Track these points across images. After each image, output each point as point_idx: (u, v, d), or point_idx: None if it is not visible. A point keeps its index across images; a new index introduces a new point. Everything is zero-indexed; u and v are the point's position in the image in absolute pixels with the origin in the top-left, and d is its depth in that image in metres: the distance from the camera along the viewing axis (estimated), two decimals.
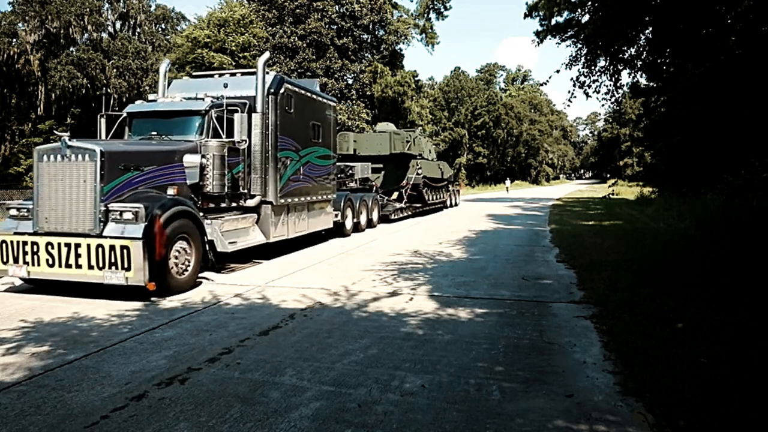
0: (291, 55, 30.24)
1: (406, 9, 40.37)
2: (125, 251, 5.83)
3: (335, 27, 31.93)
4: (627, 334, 4.48)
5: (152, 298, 6.20)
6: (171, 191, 6.88)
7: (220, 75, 9.52)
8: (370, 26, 34.91)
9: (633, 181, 44.57)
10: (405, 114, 34.31)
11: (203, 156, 7.33)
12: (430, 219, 18.18)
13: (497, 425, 3.00)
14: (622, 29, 9.40)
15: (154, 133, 7.71)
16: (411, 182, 18.09)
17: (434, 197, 20.82)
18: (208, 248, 7.10)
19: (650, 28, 9.87)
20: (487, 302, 5.92)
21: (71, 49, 36.38)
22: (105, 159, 6.17)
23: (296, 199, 9.59)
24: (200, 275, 7.14)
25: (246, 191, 8.39)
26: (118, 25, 41.12)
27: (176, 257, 6.41)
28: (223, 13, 26.23)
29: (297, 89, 9.48)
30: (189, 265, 6.65)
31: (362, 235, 12.84)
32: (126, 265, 5.84)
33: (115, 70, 36.40)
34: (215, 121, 7.74)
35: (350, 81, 33.48)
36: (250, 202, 8.48)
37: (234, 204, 8.26)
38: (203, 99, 7.95)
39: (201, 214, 7.21)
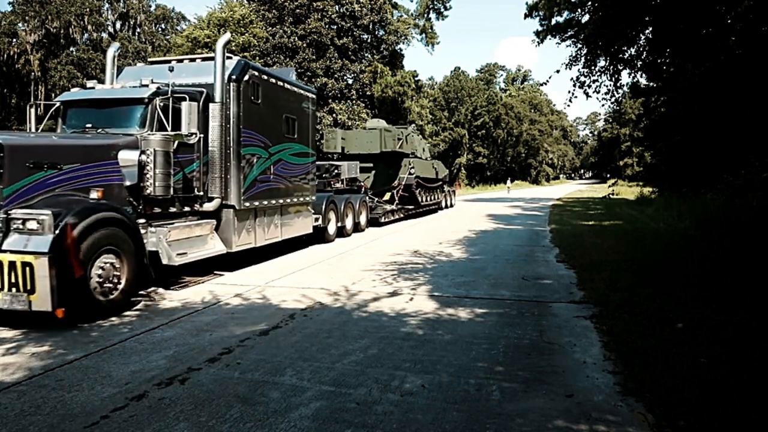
0: (291, 55, 30.22)
1: (406, 9, 40.39)
2: (27, 269, 4.70)
3: (335, 27, 31.91)
4: (627, 334, 4.48)
5: (152, 299, 6.20)
6: (94, 194, 5.67)
7: (180, 61, 8.37)
8: (370, 26, 34.88)
9: (633, 181, 44.56)
10: (405, 114, 34.26)
11: (143, 152, 6.12)
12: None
13: (497, 425, 3.00)
14: (622, 29, 9.40)
15: (89, 125, 6.59)
16: (403, 183, 17.04)
17: (428, 198, 19.79)
18: (149, 261, 6.06)
19: (650, 28, 9.87)
20: (487, 302, 5.92)
21: (71, 49, 36.39)
22: (7, 154, 5.10)
23: (266, 202, 8.49)
24: (146, 291, 6.44)
25: (202, 193, 7.31)
26: (118, 25, 41.14)
27: (100, 275, 5.31)
28: (223, 13, 26.24)
29: (266, 77, 8.45)
30: (119, 284, 5.52)
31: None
32: (29, 287, 4.70)
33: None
34: (160, 111, 6.56)
35: (350, 81, 33.45)
36: (208, 206, 7.36)
37: (188, 208, 7.18)
38: (148, 85, 6.71)
39: (143, 220, 6.33)
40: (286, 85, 9.24)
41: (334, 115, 29.48)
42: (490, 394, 3.43)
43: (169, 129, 6.53)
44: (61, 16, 33.71)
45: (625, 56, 10.48)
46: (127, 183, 6.14)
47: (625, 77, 51.66)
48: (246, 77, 7.77)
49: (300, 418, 3.10)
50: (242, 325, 5.05)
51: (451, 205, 24.37)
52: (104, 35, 38.30)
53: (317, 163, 15.20)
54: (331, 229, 11.65)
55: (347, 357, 4.14)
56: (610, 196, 20.23)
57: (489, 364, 3.97)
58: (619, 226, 13.66)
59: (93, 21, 35.58)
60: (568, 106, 30.43)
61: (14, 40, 33.71)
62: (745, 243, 7.33)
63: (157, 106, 6.59)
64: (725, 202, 10.87)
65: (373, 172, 17.62)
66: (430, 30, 40.86)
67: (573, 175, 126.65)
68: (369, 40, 35.18)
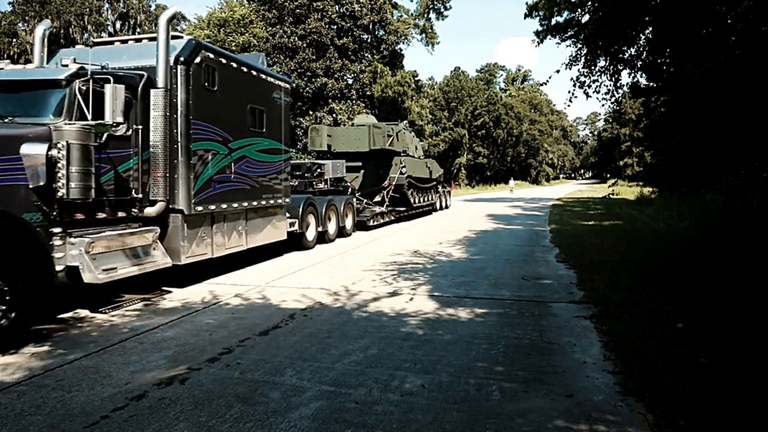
0: (291, 55, 30.24)
1: (406, 9, 40.44)
2: None
3: (335, 27, 31.93)
4: (627, 334, 4.48)
5: (152, 298, 6.20)
6: None
7: (124, 42, 7.31)
8: (370, 26, 34.90)
9: (633, 181, 44.55)
10: (405, 114, 34.28)
11: (53, 146, 4.97)
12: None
13: (497, 425, 3.00)
14: (622, 29, 9.40)
15: None
16: (394, 183, 15.92)
17: (421, 199, 18.73)
18: (72, 278, 5.25)
19: (650, 28, 9.87)
20: (487, 302, 5.92)
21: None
22: None
23: (225, 206, 7.38)
24: (67, 315, 5.49)
25: (142, 196, 6.19)
26: (118, 25, 41.12)
27: None
28: (223, 13, 26.24)
29: (224, 61, 7.37)
30: (10, 315, 4.33)
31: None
32: None
33: None
34: (80, 97, 5.39)
35: (350, 81, 33.47)
36: (150, 211, 6.24)
37: (122, 214, 6.02)
38: (67, 65, 5.56)
39: (59, 229, 5.18)
40: (252, 72, 8.12)
41: (334, 115, 29.48)
42: (490, 394, 3.43)
43: (89, 117, 5.36)
44: (61, 16, 33.71)
45: (625, 56, 10.48)
46: (32, 184, 4.90)
47: (625, 77, 51.63)
48: (198, 59, 6.68)
49: (300, 418, 3.10)
50: (242, 325, 5.05)
51: (447, 206, 23.49)
52: (104, 35, 38.28)
53: (298, 161, 14.09)
54: (311, 234, 10.55)
55: (347, 357, 4.14)
56: (610, 196, 20.20)
57: (489, 364, 3.97)
58: (619, 226, 13.66)
59: (93, 21, 35.57)
60: (568, 106, 30.37)
61: (14, 40, 33.72)
62: (745, 243, 7.33)
63: (77, 91, 5.39)
64: (725, 202, 10.87)
65: (362, 171, 16.59)
66: (430, 30, 40.88)
67: (573, 175, 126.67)
68: (369, 40, 35.19)
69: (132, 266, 5.85)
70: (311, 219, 10.64)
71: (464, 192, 47.04)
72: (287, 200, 9.30)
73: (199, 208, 6.83)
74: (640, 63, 10.66)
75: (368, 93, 32.97)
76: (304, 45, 30.07)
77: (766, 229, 7.29)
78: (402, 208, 16.77)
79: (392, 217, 15.95)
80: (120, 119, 5.43)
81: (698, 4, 8.54)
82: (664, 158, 20.98)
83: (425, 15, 40.30)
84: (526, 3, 14.54)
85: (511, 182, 48.65)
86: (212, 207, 7.10)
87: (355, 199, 13.96)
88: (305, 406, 3.26)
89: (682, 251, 8.24)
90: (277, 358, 4.13)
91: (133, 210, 6.17)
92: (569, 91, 11.18)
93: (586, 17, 11.56)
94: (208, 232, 7.11)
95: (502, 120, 61.88)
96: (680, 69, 11.15)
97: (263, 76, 8.55)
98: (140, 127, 6.11)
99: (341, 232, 12.22)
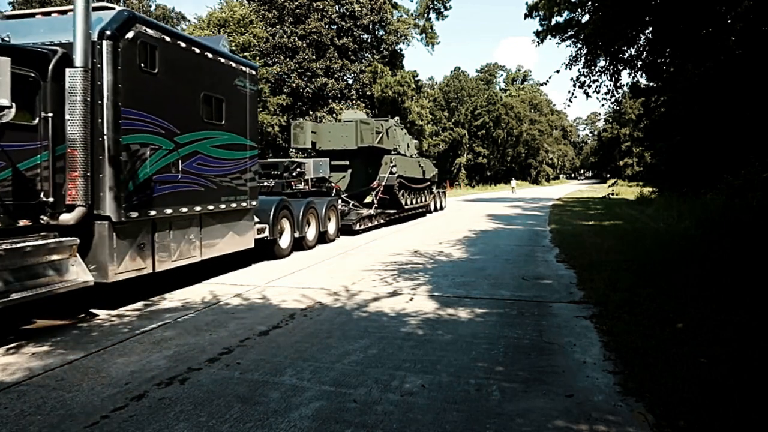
0: (291, 55, 30.25)
1: (406, 9, 40.49)
2: None
3: (335, 27, 31.93)
4: (627, 334, 4.48)
5: (152, 298, 6.20)
6: None
7: (46, 14, 6.11)
8: (370, 26, 34.90)
9: (633, 181, 44.57)
10: (405, 114, 34.29)
11: None
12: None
13: (497, 425, 3.00)
14: (622, 29, 9.40)
15: None
16: (383, 183, 14.67)
17: (413, 201, 17.59)
18: None
19: (650, 28, 9.88)
20: (487, 302, 5.92)
21: None
22: None
23: (170, 211, 6.23)
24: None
25: (52, 200, 5.10)
26: None
27: None
28: (223, 13, 26.22)
29: (169, 39, 6.20)
30: None
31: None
32: None
33: None
34: None
35: (350, 81, 33.47)
36: (66, 219, 5.15)
37: (26, 222, 4.93)
38: None
39: None
40: (207, 54, 6.98)
41: (334, 115, 29.48)
42: (490, 394, 3.43)
43: None
44: None
45: (625, 56, 10.49)
46: None
47: (625, 77, 51.63)
48: (130, 34, 5.58)
49: (300, 418, 3.10)
50: (242, 325, 5.05)
51: (442, 208, 22.50)
52: None
53: (275, 160, 12.83)
54: (284, 241, 9.45)
55: (347, 357, 4.14)
56: (610, 196, 20.21)
57: (489, 364, 3.97)
58: (619, 226, 13.66)
59: None
60: (568, 106, 30.41)
61: None
62: (745, 243, 7.33)
63: None
64: (725, 202, 10.88)
65: (350, 171, 15.56)
66: (430, 30, 40.86)
67: (573, 175, 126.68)
68: (369, 40, 35.20)
69: (34, 288, 4.74)
70: (285, 224, 9.50)
71: (464, 192, 47.04)
72: (254, 203, 8.11)
73: (134, 214, 5.66)
74: (640, 63, 10.66)
75: (368, 93, 32.97)
76: (304, 45, 30.08)
77: (766, 229, 7.29)
78: (392, 211, 15.67)
79: (382, 220, 14.86)
80: (5, 101, 4.35)
81: (698, 4, 8.54)
82: (664, 158, 20.99)
83: (425, 15, 40.26)
84: (526, 3, 14.54)
85: (513, 182, 48.58)
86: (152, 212, 5.96)
87: (340, 201, 13.02)
88: (305, 406, 3.26)
89: (682, 251, 8.25)
90: (277, 358, 4.13)
91: (42, 217, 5.05)
92: (569, 91, 11.19)
93: (586, 17, 11.56)
94: (147, 243, 5.96)
95: (502, 120, 61.90)
96: (680, 69, 11.16)
97: (222, 60, 7.35)
98: (51, 114, 5.03)
99: (323, 238, 11.17)
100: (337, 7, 32.07)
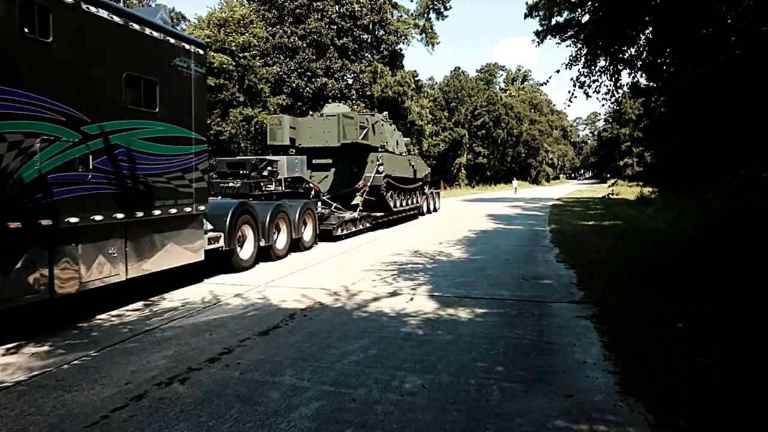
0: (291, 55, 30.26)
1: (406, 9, 40.52)
2: None
3: (335, 27, 31.95)
4: (627, 334, 4.48)
5: (152, 298, 6.20)
6: None
7: None
8: (370, 26, 34.92)
9: (633, 181, 44.60)
10: (405, 114, 34.30)
11: None
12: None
13: (497, 425, 3.00)
14: (622, 29, 9.40)
15: None
16: (369, 183, 13.30)
17: (403, 203, 16.27)
18: None
19: (650, 28, 9.88)
20: (487, 302, 5.92)
21: None
22: None
23: (77, 219, 4.99)
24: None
25: None
26: None
27: None
28: (223, 13, 26.23)
29: (72, 0, 4.95)
30: None
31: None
32: None
33: None
34: None
35: (350, 81, 33.49)
36: None
37: None
38: None
39: None
40: (133, 25, 5.68)
41: None
42: (490, 394, 3.43)
43: None
44: None
45: (625, 56, 10.49)
46: None
47: (625, 77, 51.63)
48: None
49: (300, 418, 3.10)
50: (242, 325, 5.05)
51: (435, 210, 21.32)
52: None
53: (241, 158, 11.18)
54: (246, 251, 8.19)
55: (347, 357, 4.14)
56: (610, 196, 20.22)
57: (489, 364, 3.97)
58: (619, 226, 13.66)
59: None
60: (568, 106, 30.33)
61: None
62: (745, 243, 7.33)
63: None
64: (725, 202, 10.89)
65: (333, 170, 14.26)
66: (430, 30, 40.88)
67: (573, 175, 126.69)
68: (369, 40, 35.21)
69: None
70: (247, 231, 8.23)
71: (464, 192, 47.05)
72: (202, 208, 6.83)
73: (15, 225, 4.39)
74: (640, 63, 10.66)
75: (368, 93, 32.97)
76: (304, 45, 30.09)
77: (766, 229, 7.29)
78: (379, 214, 14.40)
79: (367, 224, 13.69)
80: None
81: (698, 4, 8.54)
82: (664, 158, 20.99)
83: (425, 15, 40.28)
84: (526, 3, 14.54)
85: (515, 182, 48.65)
86: (47, 222, 4.68)
87: (320, 204, 11.97)
88: (305, 406, 3.26)
89: (682, 251, 8.25)
90: (277, 358, 4.13)
91: None
92: (569, 91, 11.19)
93: (586, 17, 11.57)
94: (42, 261, 4.68)
95: (502, 120, 61.91)
96: (680, 69, 11.16)
97: (155, 34, 5.98)
98: None
99: (296, 246, 9.91)
100: (337, 7, 32.09)
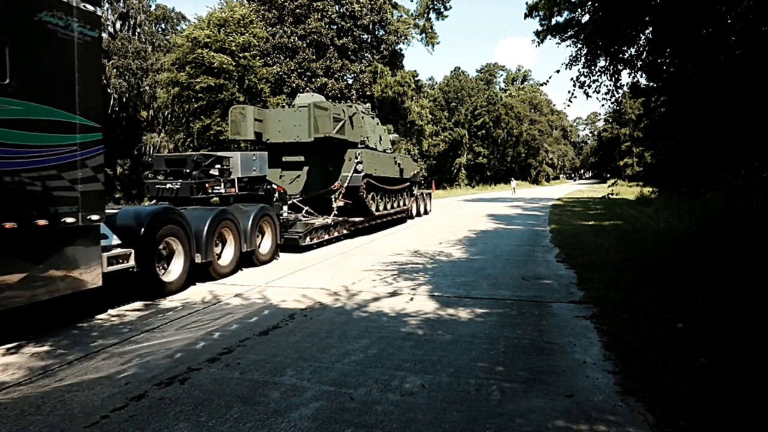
0: (291, 55, 30.25)
1: (406, 9, 40.39)
2: None
3: (335, 27, 31.94)
4: (627, 334, 4.48)
5: (152, 298, 6.20)
6: None
7: None
8: (370, 26, 34.91)
9: (633, 181, 44.59)
10: (405, 114, 34.29)
11: None
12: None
13: (497, 425, 3.00)
14: (622, 29, 9.41)
15: None
16: (346, 184, 11.77)
17: (387, 206, 14.58)
18: None
19: (650, 28, 9.88)
20: (487, 302, 5.92)
21: None
22: None
23: None
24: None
25: None
26: (118, 25, 41.13)
27: None
28: (223, 13, 26.21)
29: None
30: None
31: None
32: None
33: (115, 70, 36.41)
34: None
35: (350, 81, 33.47)
36: None
37: None
38: None
39: None
40: None
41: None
42: (490, 394, 3.43)
43: None
44: None
45: (625, 56, 10.50)
46: None
47: (625, 77, 51.61)
48: None
49: (300, 418, 3.10)
50: (242, 325, 5.05)
51: (426, 212, 19.78)
52: (104, 35, 38.31)
53: (180, 154, 9.26)
54: (173, 271, 6.54)
55: (347, 357, 4.14)
56: (610, 196, 20.20)
57: (489, 364, 3.97)
58: (619, 226, 13.66)
59: None
60: (568, 106, 30.32)
61: None
62: (745, 243, 7.33)
63: None
64: (725, 202, 10.88)
65: (306, 169, 12.57)
66: (430, 30, 40.87)
67: (573, 175, 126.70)
68: (369, 40, 35.20)
69: None
70: (175, 245, 6.55)
71: (464, 192, 47.06)
72: (96, 217, 5.11)
73: None
74: (640, 63, 10.67)
75: (368, 93, 32.97)
76: (304, 45, 30.09)
77: (766, 229, 7.29)
78: (358, 219, 12.70)
79: (344, 231, 12.07)
80: None
81: (698, 4, 8.54)
82: (664, 158, 20.96)
83: (425, 15, 40.32)
84: (526, 3, 14.54)
85: (513, 182, 48.27)
86: None
87: (286, 208, 10.65)
88: (305, 406, 3.26)
89: (683, 251, 8.25)
90: (277, 358, 4.13)
91: None
92: (569, 91, 11.20)
93: (586, 17, 11.57)
94: None
95: (502, 120, 61.93)
96: (680, 69, 11.16)
97: None
98: None
99: (250, 260, 8.33)
100: (337, 7, 32.08)
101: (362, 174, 12.03)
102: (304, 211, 11.57)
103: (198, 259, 6.99)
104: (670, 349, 4.03)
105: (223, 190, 8.59)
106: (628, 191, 32.39)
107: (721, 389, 3.28)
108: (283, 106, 13.28)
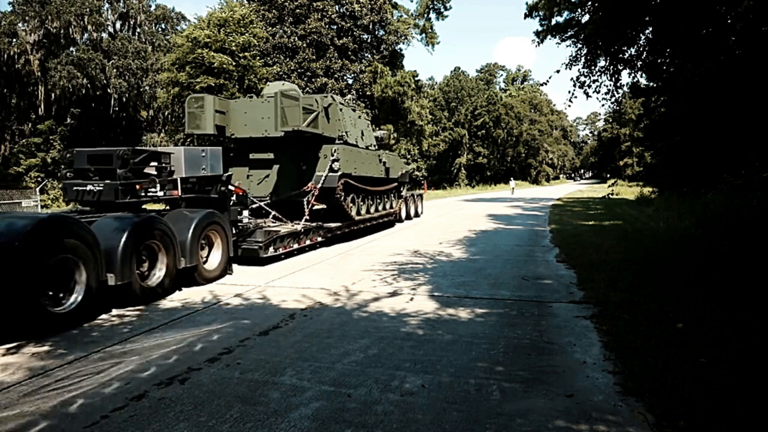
0: (291, 55, 30.25)
1: (406, 9, 40.40)
2: None
3: (335, 27, 31.94)
4: (627, 334, 4.48)
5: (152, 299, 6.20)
6: None
7: None
8: (370, 26, 34.91)
9: (633, 181, 44.60)
10: (405, 114, 34.29)
11: None
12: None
13: (497, 425, 3.00)
14: (622, 29, 9.40)
15: None
16: (320, 185, 10.27)
17: (371, 209, 13.15)
18: None
19: (650, 28, 9.87)
20: (487, 302, 5.92)
21: (71, 49, 36.40)
22: None
23: None
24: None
25: None
26: (118, 25, 41.12)
27: None
28: (223, 13, 26.21)
29: None
30: None
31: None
32: None
33: (115, 70, 36.41)
34: None
35: (350, 81, 33.48)
36: None
37: None
38: None
39: None
40: None
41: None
42: (490, 394, 3.43)
43: None
44: (61, 16, 33.70)
45: (625, 56, 10.48)
46: None
47: (625, 77, 51.61)
48: None
49: (300, 418, 3.10)
50: (242, 325, 5.05)
51: (417, 215, 18.36)
52: (104, 35, 38.31)
53: (103, 149, 7.06)
54: (73, 301, 5.14)
55: (347, 357, 4.14)
56: (610, 196, 20.16)
57: (489, 364, 3.97)
58: (619, 226, 13.66)
59: (93, 21, 35.55)
60: (569, 106, 30.32)
61: (14, 40, 33.70)
62: (746, 243, 7.33)
63: None
64: (725, 202, 10.88)
65: (276, 167, 11.06)
66: (430, 30, 40.86)
67: (573, 175, 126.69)
68: (369, 40, 35.21)
69: None
70: (77, 268, 5.19)
71: (464, 192, 47.05)
72: None
73: None
74: (640, 63, 10.65)
75: (368, 93, 32.98)
76: (304, 45, 30.08)
77: (766, 229, 7.28)
78: (335, 224, 11.12)
79: (319, 239, 10.49)
80: None
81: (698, 4, 8.54)
82: (664, 158, 20.96)
83: (425, 15, 40.30)
84: (526, 3, 14.55)
85: (512, 182, 47.95)
86: None
87: (246, 213, 9.40)
88: (305, 406, 3.26)
89: (682, 251, 8.25)
90: (277, 358, 4.13)
91: None
92: (569, 91, 11.18)
93: (586, 17, 11.56)
94: None
95: (502, 120, 61.93)
96: (680, 69, 11.15)
97: None
98: None
99: (191, 277, 6.91)
100: (337, 7, 32.08)
101: (339, 173, 10.56)
102: (271, 217, 10.25)
103: (111, 281, 5.62)
104: (670, 349, 4.03)
105: (161, 193, 7.08)
106: (628, 191, 32.38)
107: (721, 389, 3.28)
108: (250, 96, 11.73)
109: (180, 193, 7.38)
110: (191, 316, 5.42)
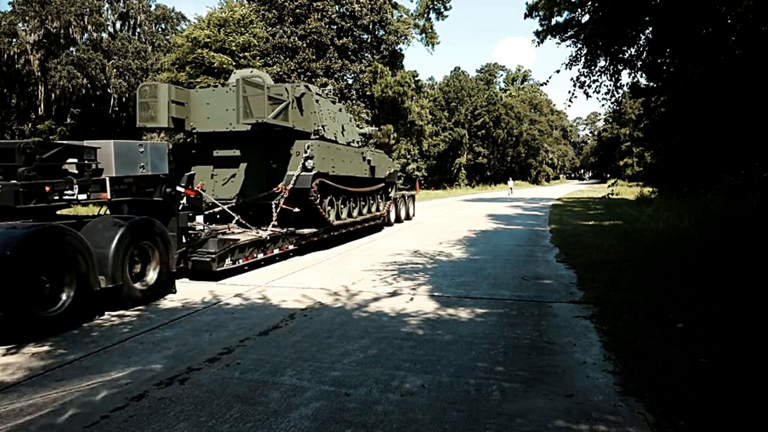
0: (291, 55, 30.24)
1: (406, 9, 40.39)
2: None
3: (335, 27, 31.93)
4: (627, 334, 4.48)
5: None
6: None
7: None
8: (370, 26, 34.89)
9: (633, 181, 44.60)
10: (405, 114, 34.28)
11: None
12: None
13: (497, 425, 3.00)
14: (622, 29, 9.40)
15: None
16: (290, 186, 9.06)
17: (353, 212, 11.92)
18: None
19: (650, 28, 9.87)
20: (487, 302, 5.92)
21: (71, 49, 36.41)
22: None
23: None
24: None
25: None
26: (118, 25, 41.12)
27: None
28: (223, 13, 26.21)
29: None
30: None
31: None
32: None
33: (115, 70, 36.42)
34: None
35: (350, 81, 33.46)
36: None
37: None
38: None
39: None
40: None
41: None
42: (490, 394, 3.43)
43: None
44: (61, 16, 33.70)
45: (625, 56, 10.48)
46: None
47: (625, 77, 51.62)
48: None
49: (300, 418, 3.10)
50: (242, 325, 5.05)
51: (408, 218, 17.10)
52: (104, 35, 38.32)
53: (7, 141, 6.56)
54: None
55: (347, 357, 4.14)
56: (610, 196, 20.15)
57: (489, 364, 3.97)
58: (619, 226, 13.66)
59: (93, 21, 35.55)
60: (569, 106, 30.28)
61: (14, 40, 33.71)
62: (746, 243, 7.32)
63: None
64: (725, 202, 10.87)
65: (243, 166, 9.84)
66: (430, 30, 40.84)
67: (573, 175, 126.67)
68: (369, 40, 35.19)
69: None
70: None
71: (464, 192, 47.04)
72: None
73: None
74: (640, 63, 10.66)
75: (368, 93, 32.96)
76: (304, 45, 30.07)
77: (766, 229, 7.28)
78: (309, 230, 9.72)
79: (290, 247, 9.20)
80: None
81: (698, 4, 8.54)
82: (664, 158, 20.95)
83: (425, 15, 40.28)
84: (526, 3, 14.54)
85: (510, 182, 47.66)
86: None
87: (200, 219, 8.16)
88: (305, 406, 3.26)
89: (682, 251, 8.25)
90: (277, 358, 4.13)
91: None
92: (569, 91, 11.18)
93: (586, 17, 11.56)
94: None
95: (502, 120, 61.91)
96: (680, 69, 11.15)
97: None
98: None
99: (117, 298, 5.67)
100: (337, 7, 32.07)
101: (313, 173, 9.26)
102: (234, 222, 9.00)
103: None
104: (670, 349, 4.03)
105: (82, 196, 5.82)
106: (628, 191, 32.37)
107: (721, 389, 3.28)
108: (215, 86, 10.16)
109: (109, 196, 6.10)
110: (191, 316, 5.42)
